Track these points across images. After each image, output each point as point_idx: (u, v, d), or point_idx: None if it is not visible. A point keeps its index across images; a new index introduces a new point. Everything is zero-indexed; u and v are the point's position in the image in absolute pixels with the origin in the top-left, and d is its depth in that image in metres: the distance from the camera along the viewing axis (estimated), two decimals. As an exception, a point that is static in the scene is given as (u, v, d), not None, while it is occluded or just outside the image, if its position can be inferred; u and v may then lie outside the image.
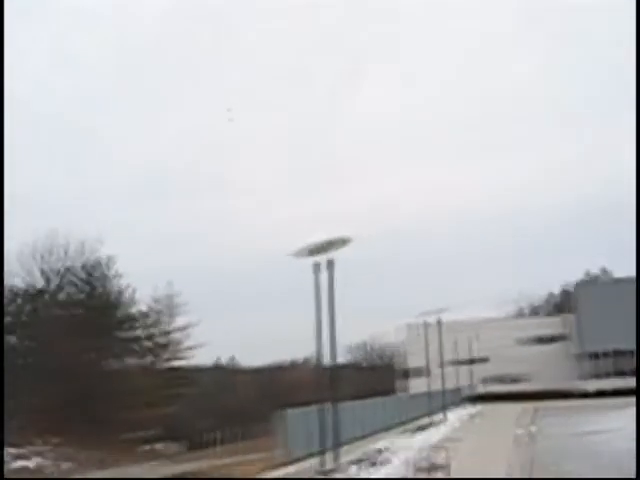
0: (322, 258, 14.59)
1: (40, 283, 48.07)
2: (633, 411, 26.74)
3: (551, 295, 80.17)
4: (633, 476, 8.39)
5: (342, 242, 14.39)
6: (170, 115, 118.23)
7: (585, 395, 52.30)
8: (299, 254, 14.50)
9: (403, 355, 70.85)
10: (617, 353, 59.91)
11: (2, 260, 29.95)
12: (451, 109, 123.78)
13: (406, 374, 67.84)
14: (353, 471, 16.52)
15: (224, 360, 78.22)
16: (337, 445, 18.53)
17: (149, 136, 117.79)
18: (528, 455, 18.72)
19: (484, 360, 62.65)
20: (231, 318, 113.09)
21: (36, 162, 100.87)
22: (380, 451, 20.44)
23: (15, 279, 47.68)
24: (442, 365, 34.60)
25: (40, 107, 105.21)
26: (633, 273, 56.22)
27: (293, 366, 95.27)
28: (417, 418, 32.26)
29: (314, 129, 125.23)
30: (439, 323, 33.42)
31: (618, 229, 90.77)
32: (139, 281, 73.60)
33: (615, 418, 27.38)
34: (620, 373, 57.45)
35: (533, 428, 27.27)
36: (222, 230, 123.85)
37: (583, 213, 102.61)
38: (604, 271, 75.49)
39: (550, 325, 67.70)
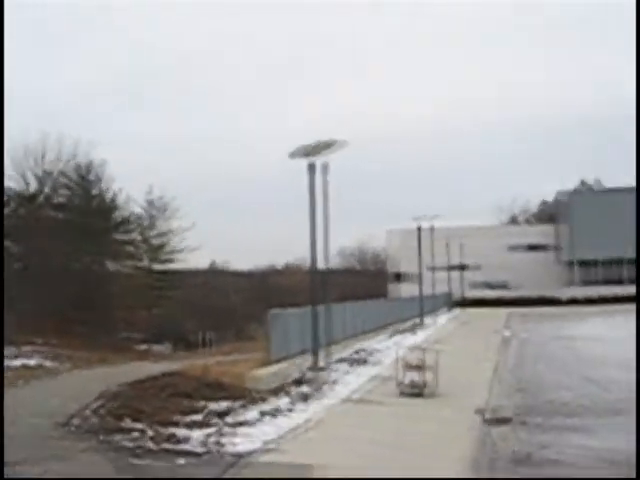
0: (316, 161, 14.47)
1: (34, 186, 47.75)
2: (616, 319, 27.49)
3: (545, 204, 79.73)
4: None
5: (336, 145, 14.21)
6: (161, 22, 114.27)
7: (573, 302, 53.40)
8: (294, 155, 14.33)
9: (394, 260, 71.30)
10: (607, 262, 60.61)
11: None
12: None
13: (397, 278, 68.41)
14: (341, 369, 17.09)
15: (218, 263, 79.07)
16: (326, 344, 19.03)
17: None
18: (500, 357, 19.66)
19: (475, 267, 63.27)
20: (225, 222, 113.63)
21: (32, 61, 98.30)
22: (366, 350, 21.15)
23: (9, 182, 47.33)
24: (433, 270, 35.15)
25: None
26: (624, 184, 57.30)
27: (285, 269, 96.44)
28: (405, 320, 33.05)
29: (313, 29, 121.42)
30: (431, 229, 33.69)
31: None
32: (133, 185, 73.47)
33: (597, 324, 28.17)
34: (609, 282, 58.40)
35: (523, 334, 27.89)
36: (219, 135, 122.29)
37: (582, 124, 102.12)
38: (598, 182, 74.98)
39: (542, 233, 67.93)
